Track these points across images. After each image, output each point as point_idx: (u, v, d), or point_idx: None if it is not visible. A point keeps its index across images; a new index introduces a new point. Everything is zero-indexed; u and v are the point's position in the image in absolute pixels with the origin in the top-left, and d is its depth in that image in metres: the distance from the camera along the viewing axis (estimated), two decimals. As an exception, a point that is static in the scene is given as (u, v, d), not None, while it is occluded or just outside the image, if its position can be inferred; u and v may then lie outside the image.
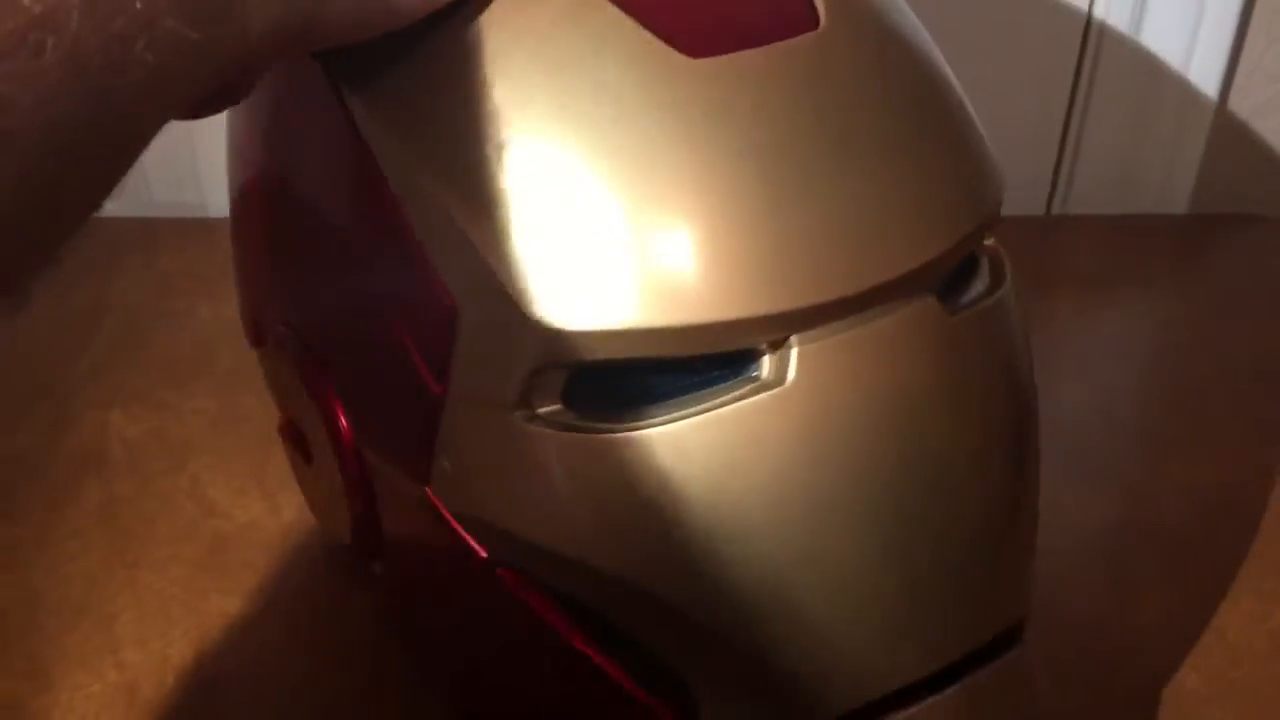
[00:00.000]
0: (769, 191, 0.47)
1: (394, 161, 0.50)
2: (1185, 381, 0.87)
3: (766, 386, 0.47)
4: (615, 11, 0.48)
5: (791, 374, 0.47)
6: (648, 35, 0.47)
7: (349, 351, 0.56)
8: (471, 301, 0.48)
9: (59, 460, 0.77)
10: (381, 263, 0.51)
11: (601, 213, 0.46)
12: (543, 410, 0.48)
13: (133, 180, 1.00)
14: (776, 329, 0.47)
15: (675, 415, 0.47)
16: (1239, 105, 1.03)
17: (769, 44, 0.48)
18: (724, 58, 0.47)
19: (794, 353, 0.47)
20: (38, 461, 0.81)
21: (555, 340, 0.46)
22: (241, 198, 0.62)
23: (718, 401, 0.47)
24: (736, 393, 0.47)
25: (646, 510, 0.48)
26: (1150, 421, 0.84)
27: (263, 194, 0.59)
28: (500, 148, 0.47)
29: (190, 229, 0.93)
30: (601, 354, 0.46)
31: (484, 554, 0.52)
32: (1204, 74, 1.02)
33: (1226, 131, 1.04)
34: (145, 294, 0.94)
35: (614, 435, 0.47)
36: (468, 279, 0.48)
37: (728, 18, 0.48)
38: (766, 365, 0.48)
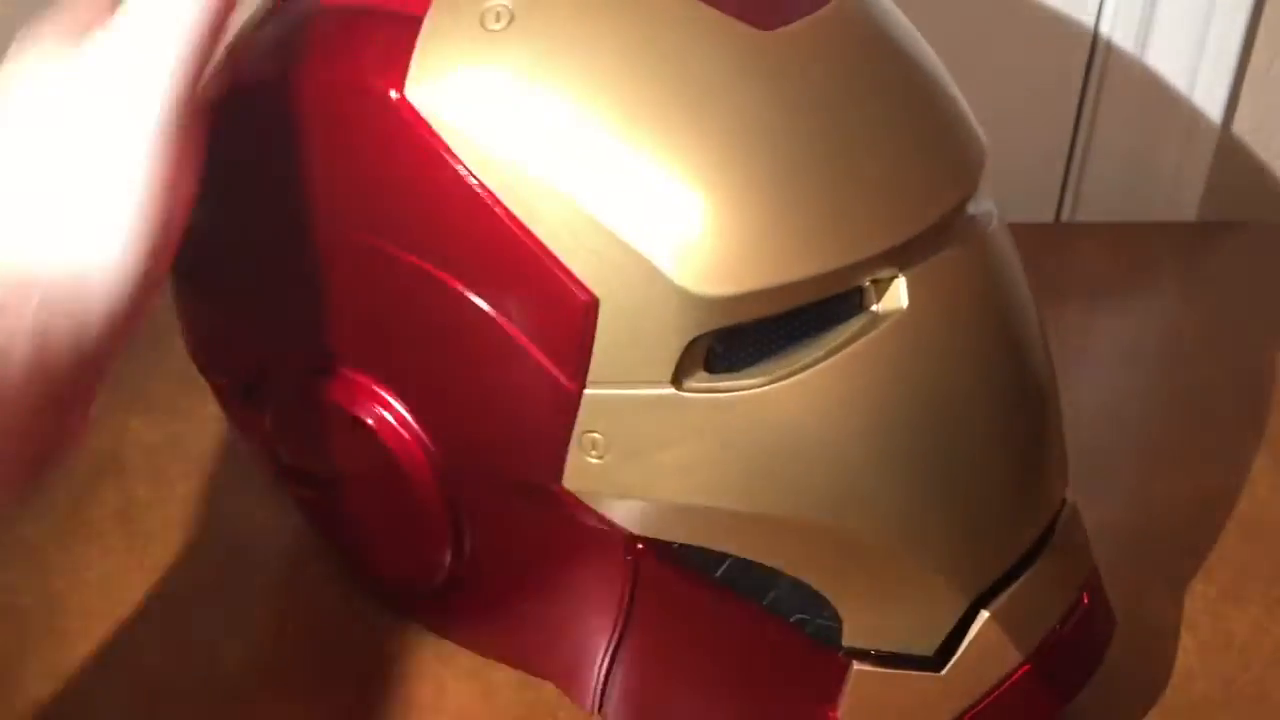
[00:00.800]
0: (857, 141, 0.52)
1: (507, 178, 0.51)
2: (1194, 387, 0.87)
3: (884, 318, 0.52)
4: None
5: (904, 301, 0.52)
6: (719, 14, 0.51)
7: (437, 380, 0.57)
8: (614, 289, 0.50)
9: (80, 464, 0.77)
10: (495, 280, 0.52)
11: (733, 178, 0.50)
12: (689, 380, 0.51)
13: None
14: (887, 264, 0.52)
15: (807, 361, 0.51)
16: (1246, 114, 1.03)
17: (805, 16, 0.53)
18: (788, 29, 0.52)
19: (902, 282, 0.52)
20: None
21: (708, 308, 0.49)
22: (242, 237, 0.61)
23: (842, 340, 0.52)
24: (855, 328, 0.52)
25: (800, 453, 0.52)
26: (1159, 427, 0.84)
27: (304, 230, 0.57)
28: (624, 132, 0.50)
29: None
30: (747, 315, 0.50)
31: (631, 533, 0.55)
32: (1211, 82, 1.02)
33: (1234, 139, 1.04)
34: (164, 300, 0.91)
35: (761, 390, 0.51)
36: (608, 267, 0.50)
37: None
38: (879, 298, 0.53)
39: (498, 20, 0.52)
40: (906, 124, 0.54)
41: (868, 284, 0.52)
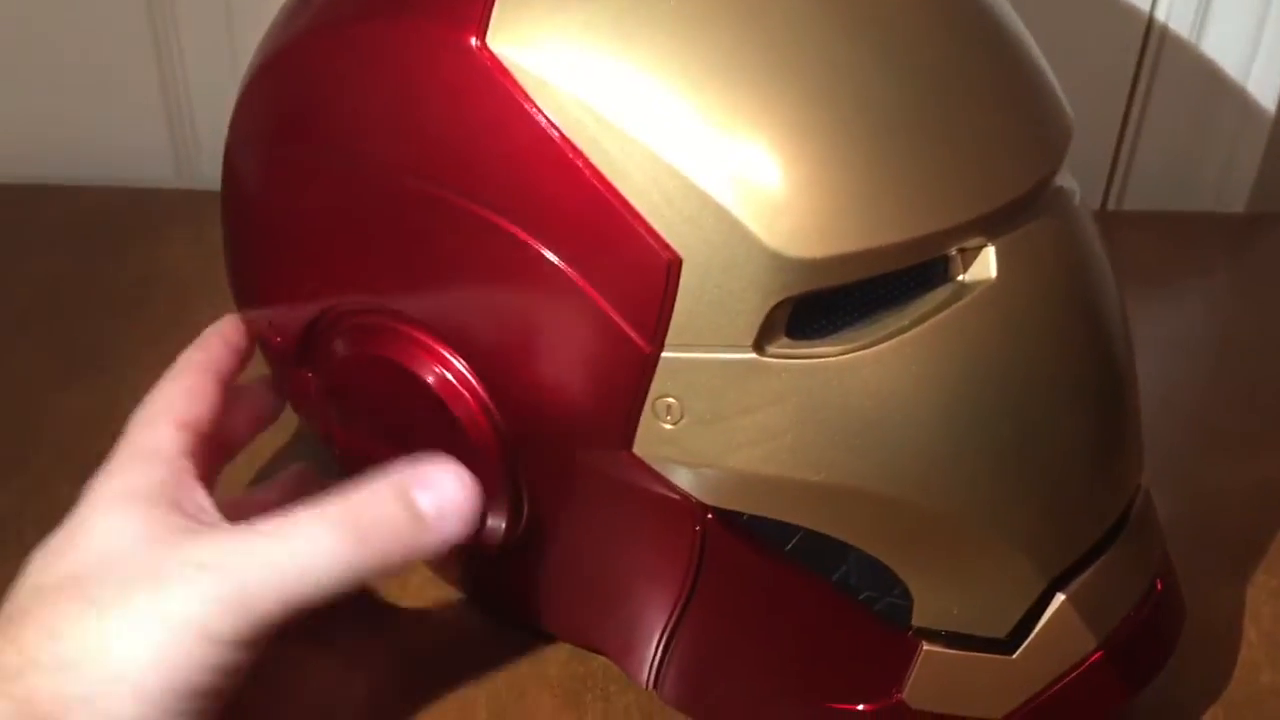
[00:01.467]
0: (952, 102, 0.51)
1: (591, 132, 0.49)
2: (1248, 378, 0.85)
3: (971, 288, 0.51)
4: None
5: (993, 271, 0.50)
6: None
7: (503, 338, 0.54)
8: (698, 249, 0.48)
9: (117, 426, 0.75)
10: (573, 236, 0.50)
11: (826, 137, 0.48)
12: (770, 345, 0.49)
13: (185, 151, 0.99)
14: (977, 232, 0.50)
15: (892, 330, 0.50)
16: None
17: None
18: None
19: (991, 251, 0.50)
20: (95, 425, 0.76)
21: (795, 271, 0.48)
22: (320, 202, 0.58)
23: (928, 310, 0.50)
24: (941, 298, 0.50)
25: (882, 424, 0.50)
26: (1214, 417, 0.82)
27: (379, 190, 0.55)
28: (715, 86, 0.49)
29: None
30: (834, 279, 0.48)
31: (700, 503, 0.53)
32: (1265, 73, 1.00)
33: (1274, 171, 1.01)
34: (196, 264, 0.93)
35: (843, 358, 0.49)
36: (693, 226, 0.48)
37: None
38: (966, 267, 0.51)
39: (584, -33, 0.49)
40: (1001, 88, 0.53)
41: (954, 253, 0.51)
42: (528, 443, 0.55)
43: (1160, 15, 0.98)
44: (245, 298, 0.64)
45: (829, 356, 0.49)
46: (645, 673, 0.61)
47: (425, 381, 0.56)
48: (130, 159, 1.04)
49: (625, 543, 0.57)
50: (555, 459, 0.55)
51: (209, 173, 1.02)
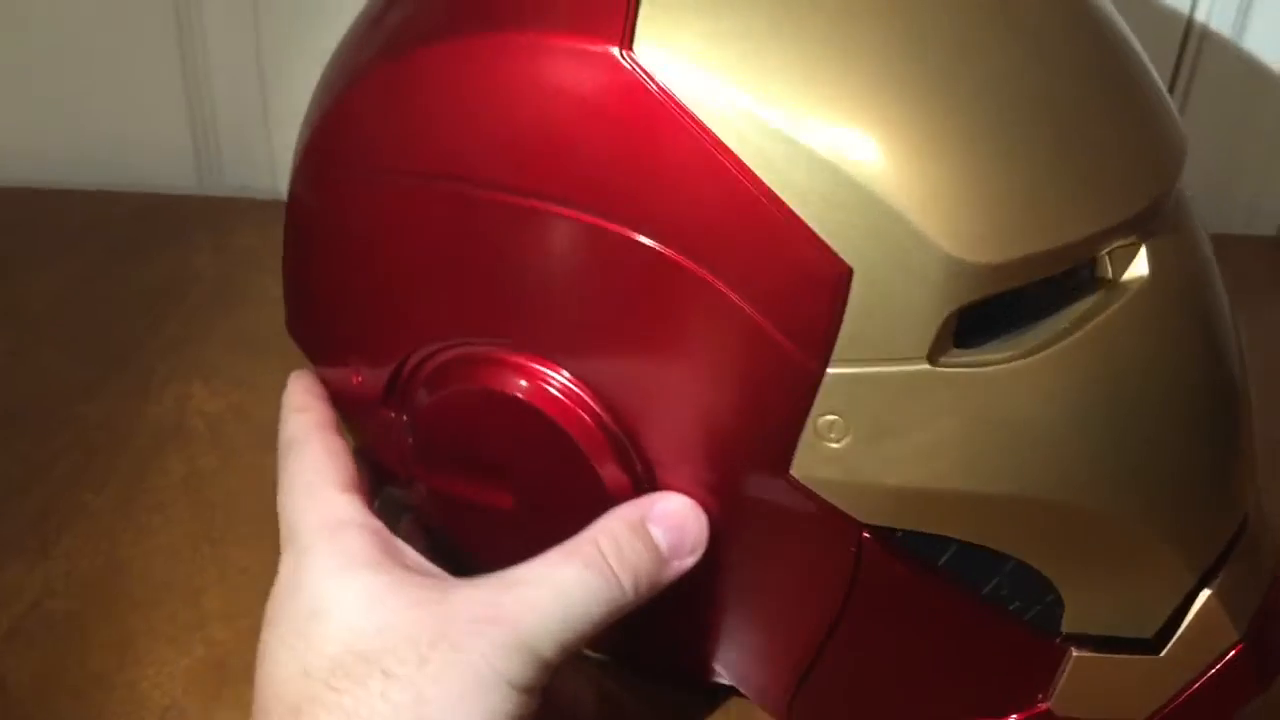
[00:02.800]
0: (1104, 102, 0.49)
1: (750, 139, 0.45)
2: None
3: (1126, 288, 0.49)
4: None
5: (1146, 269, 0.49)
6: None
7: (640, 366, 0.50)
8: (870, 258, 0.45)
9: (142, 432, 0.72)
10: (730, 252, 0.46)
11: (997, 137, 0.46)
12: (943, 355, 0.46)
13: (206, 160, 0.95)
14: (1127, 233, 0.48)
15: (1055, 334, 0.48)
16: None
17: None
18: None
19: (1143, 250, 0.49)
20: (120, 431, 0.77)
21: (973, 277, 0.45)
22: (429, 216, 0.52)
23: (1086, 311, 0.48)
24: (1096, 300, 0.49)
25: (1050, 430, 0.48)
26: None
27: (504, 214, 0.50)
28: (881, 87, 0.46)
29: (263, 209, 0.88)
30: (1008, 283, 0.46)
31: (858, 522, 0.50)
32: None
33: None
34: (221, 270, 0.91)
35: (1011, 365, 0.47)
36: (865, 234, 0.45)
37: None
38: (1115, 267, 0.49)
39: (733, -32, 0.45)
40: (1138, 89, 0.51)
41: (1103, 253, 0.49)
42: (668, 474, 0.52)
43: (1194, 36, 0.95)
44: (322, 342, 0.59)
45: (997, 364, 0.47)
46: (785, 703, 0.58)
47: (547, 417, 0.52)
48: (153, 165, 1.01)
49: (773, 569, 0.54)
50: (700, 488, 0.52)
51: (231, 180, 0.99)
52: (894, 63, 0.46)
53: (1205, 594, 0.53)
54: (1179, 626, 0.54)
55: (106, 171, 0.99)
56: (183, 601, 0.67)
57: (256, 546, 0.69)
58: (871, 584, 0.52)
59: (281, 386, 0.69)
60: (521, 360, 0.52)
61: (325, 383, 0.59)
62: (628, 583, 0.50)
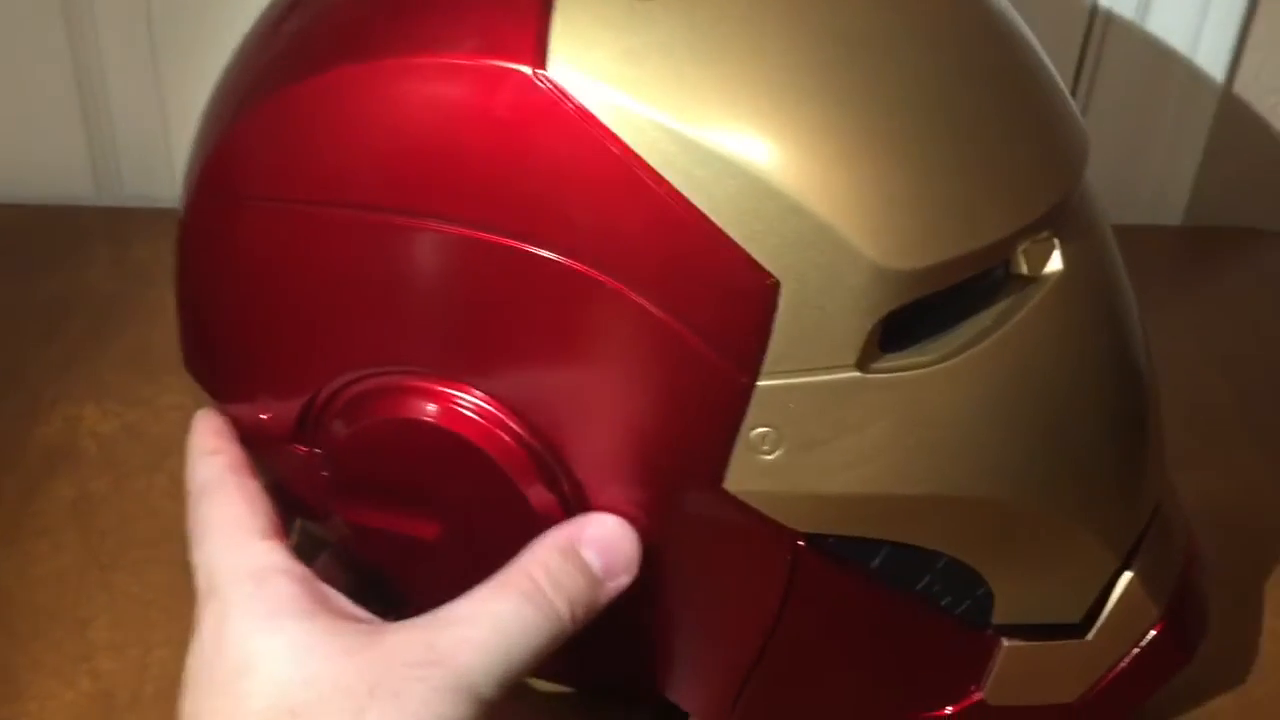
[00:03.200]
0: (1013, 101, 0.50)
1: (669, 154, 0.44)
2: (1190, 393, 0.83)
3: (1043, 283, 0.49)
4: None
5: (1059, 264, 0.49)
6: None
7: (568, 389, 0.49)
8: (798, 270, 0.44)
9: (28, 455, 0.69)
10: (654, 269, 0.45)
11: (916, 142, 0.46)
12: (871, 361, 0.46)
13: (104, 169, 0.92)
14: (1041, 229, 0.48)
15: (977, 334, 0.48)
16: (1235, 117, 0.98)
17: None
18: None
19: (1057, 243, 0.49)
20: (6, 453, 0.74)
21: (899, 283, 0.45)
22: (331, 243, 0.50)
23: (1005, 309, 0.48)
24: (1014, 297, 0.49)
25: (978, 428, 0.48)
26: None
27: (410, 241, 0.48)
28: (798, 97, 0.45)
29: (164, 219, 0.85)
30: (933, 287, 0.46)
31: (793, 530, 0.49)
32: (1200, 85, 0.97)
33: (1222, 144, 0.99)
34: (118, 284, 0.87)
35: (939, 367, 0.47)
36: (791, 245, 0.44)
37: None
38: (1030, 262, 0.49)
39: (645, -14, 0.45)
40: (1045, 87, 0.51)
41: (1018, 250, 0.48)
42: (597, 492, 0.51)
43: (1096, 30, 0.94)
44: (226, 379, 0.56)
45: (925, 367, 0.47)
46: (725, 715, 0.57)
47: (473, 446, 0.50)
48: (48, 175, 0.96)
49: (708, 581, 0.53)
50: (628, 505, 0.51)
51: (130, 189, 0.95)
52: (809, 72, 0.45)
53: (1127, 577, 0.54)
54: (1104, 609, 0.55)
55: (2, 184, 0.95)
56: (68, 632, 0.65)
57: (147, 573, 0.66)
58: (807, 591, 0.52)
59: (178, 406, 0.67)
60: (440, 386, 0.50)
61: (232, 419, 0.56)
62: (564, 611, 0.49)
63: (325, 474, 0.54)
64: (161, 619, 0.65)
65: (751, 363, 0.46)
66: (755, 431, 0.47)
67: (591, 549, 0.50)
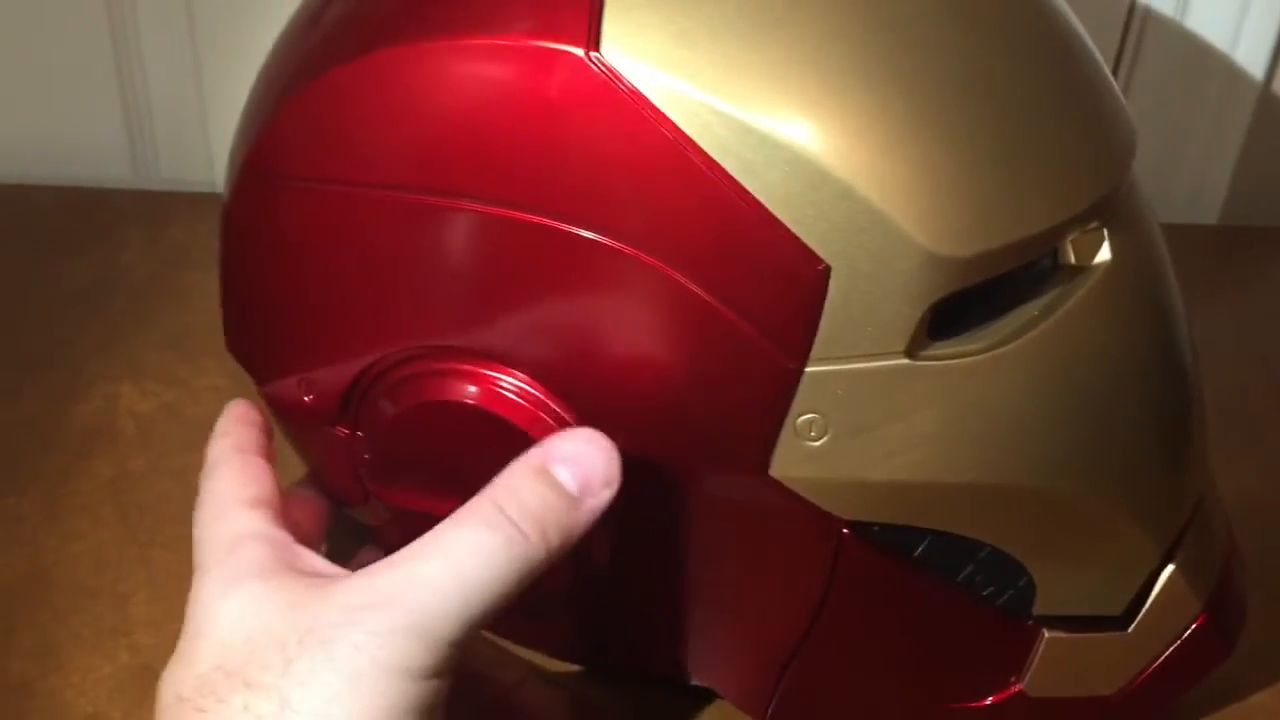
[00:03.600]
0: (1064, 88, 0.49)
1: (722, 137, 0.44)
2: (1228, 390, 0.82)
3: (1091, 272, 0.48)
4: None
5: (1107, 255, 0.48)
6: None
7: (613, 372, 0.48)
8: (847, 254, 0.44)
9: (68, 433, 0.70)
10: (705, 253, 0.45)
11: (968, 128, 0.45)
12: (920, 348, 0.46)
13: (141, 153, 0.91)
14: (1090, 219, 0.48)
15: (1026, 322, 0.47)
16: (1275, 116, 0.97)
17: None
18: None
19: (1105, 234, 0.48)
20: (45, 432, 0.73)
21: (949, 270, 0.44)
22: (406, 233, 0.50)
23: (1054, 299, 0.48)
24: (1062, 286, 0.48)
25: (1027, 417, 0.48)
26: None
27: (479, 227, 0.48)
28: (852, 81, 0.45)
29: (200, 203, 0.85)
30: (983, 275, 0.45)
31: (838, 517, 0.49)
32: (1239, 84, 0.96)
33: (1261, 143, 0.98)
34: (155, 266, 0.87)
35: (988, 355, 0.47)
36: (841, 230, 0.44)
37: None
38: (1078, 253, 0.49)
39: (698, -35, 0.44)
40: (1095, 76, 0.51)
41: (1066, 240, 0.48)
42: (638, 476, 0.49)
43: (1133, 33, 0.94)
44: (269, 361, 0.55)
45: (973, 355, 0.47)
46: (765, 702, 0.57)
47: (516, 428, 0.50)
48: (86, 157, 0.96)
49: (751, 567, 0.52)
50: (672, 491, 0.50)
51: (167, 172, 0.95)
52: (864, 60, 0.45)
53: (1169, 570, 0.54)
54: (1145, 602, 0.54)
55: (37, 164, 0.95)
56: (108, 607, 0.65)
57: (185, 550, 0.63)
58: (850, 578, 0.51)
59: (214, 387, 0.67)
60: (483, 368, 0.50)
61: (274, 402, 0.56)
62: (536, 536, 0.45)
63: (367, 457, 0.54)
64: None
65: (800, 349, 0.46)
66: (803, 418, 0.47)
67: (564, 466, 0.46)
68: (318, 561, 0.48)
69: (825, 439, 0.47)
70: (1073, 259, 0.49)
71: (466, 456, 0.51)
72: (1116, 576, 0.53)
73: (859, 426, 0.47)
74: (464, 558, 0.44)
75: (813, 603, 0.52)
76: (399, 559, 0.44)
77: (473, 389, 0.50)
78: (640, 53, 0.44)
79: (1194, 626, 0.55)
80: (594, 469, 0.46)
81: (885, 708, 0.56)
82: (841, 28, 0.45)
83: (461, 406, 0.50)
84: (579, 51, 0.44)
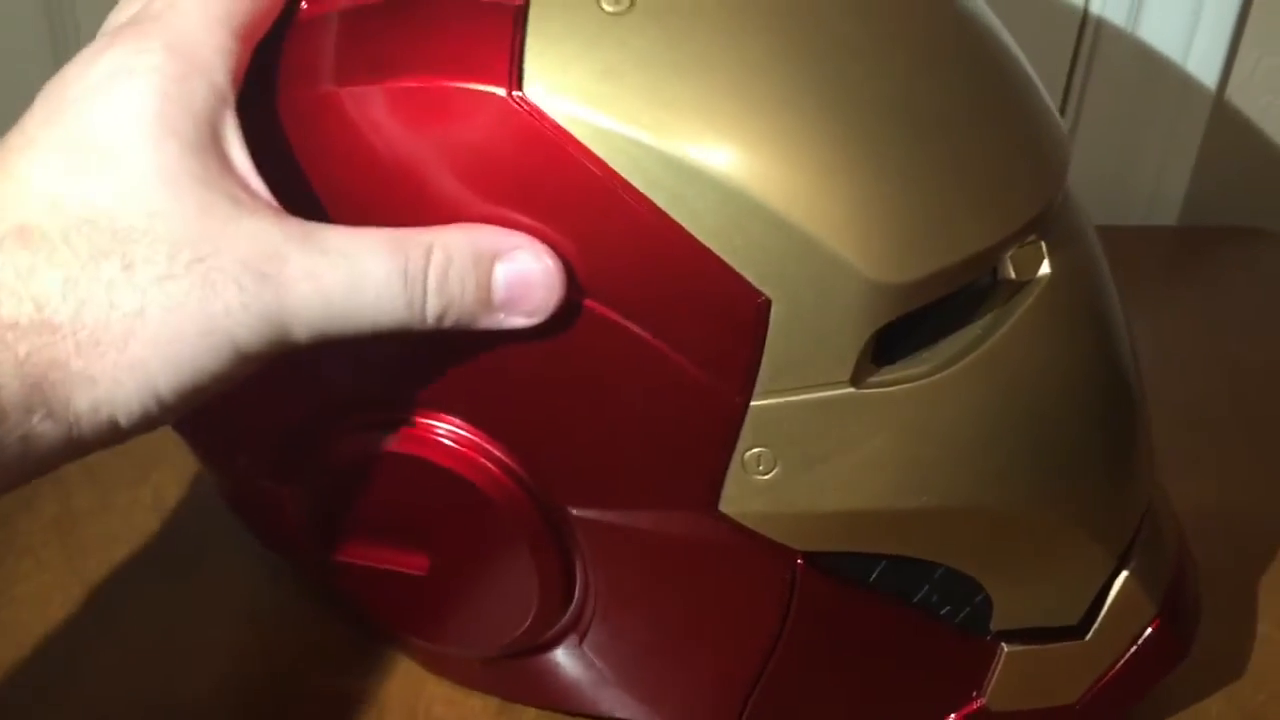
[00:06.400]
0: (997, 105, 0.47)
1: (653, 173, 0.41)
2: (1185, 392, 0.79)
3: (1032, 288, 0.46)
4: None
5: (1047, 267, 0.46)
6: None
7: (555, 418, 0.46)
8: (789, 286, 0.42)
9: None
10: (641, 292, 0.43)
11: (903, 152, 0.43)
12: (866, 376, 0.44)
13: None
14: (1030, 233, 0.46)
15: (970, 342, 0.45)
16: (1231, 117, 0.95)
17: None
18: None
19: (1044, 247, 0.46)
20: None
21: (892, 296, 0.42)
22: None
23: (995, 317, 0.46)
24: (1003, 303, 0.46)
25: (975, 438, 0.46)
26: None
27: None
28: (781, 110, 0.42)
29: None
30: (923, 300, 0.43)
31: (791, 550, 0.47)
32: (1195, 86, 0.94)
33: (1217, 143, 0.96)
34: None
35: (933, 379, 0.45)
36: (780, 262, 0.42)
37: None
38: (1016, 268, 0.47)
39: (616, 2, 0.42)
40: (1027, 91, 0.48)
41: (1005, 257, 0.47)
42: (587, 521, 0.48)
43: (1089, 32, 0.91)
44: (200, 422, 0.52)
45: (918, 380, 0.45)
46: None
47: (462, 479, 0.48)
48: None
49: (706, 603, 0.50)
50: (619, 534, 0.48)
51: None
52: (793, 89, 0.42)
53: (1122, 577, 0.52)
54: (1101, 610, 0.53)
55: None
56: (50, 655, 0.61)
57: (134, 595, 0.64)
58: (806, 608, 0.49)
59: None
60: (419, 417, 0.48)
61: (207, 464, 0.54)
62: (432, 313, 0.42)
63: (304, 517, 0.52)
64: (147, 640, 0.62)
65: (744, 383, 0.44)
66: (750, 452, 0.45)
67: (506, 273, 0.43)
68: (244, 159, 0.43)
69: (774, 472, 0.45)
70: (1012, 273, 0.47)
71: (408, 507, 0.50)
72: (1071, 587, 0.51)
73: (808, 458, 0.45)
74: (363, 289, 0.41)
75: (770, 633, 0.50)
76: (310, 244, 0.41)
77: (410, 439, 0.48)
78: (564, 89, 0.41)
79: (1150, 630, 0.53)
80: (530, 293, 0.43)
81: None
82: (770, 57, 0.42)
83: (399, 457, 0.48)
84: (501, 91, 0.42)
